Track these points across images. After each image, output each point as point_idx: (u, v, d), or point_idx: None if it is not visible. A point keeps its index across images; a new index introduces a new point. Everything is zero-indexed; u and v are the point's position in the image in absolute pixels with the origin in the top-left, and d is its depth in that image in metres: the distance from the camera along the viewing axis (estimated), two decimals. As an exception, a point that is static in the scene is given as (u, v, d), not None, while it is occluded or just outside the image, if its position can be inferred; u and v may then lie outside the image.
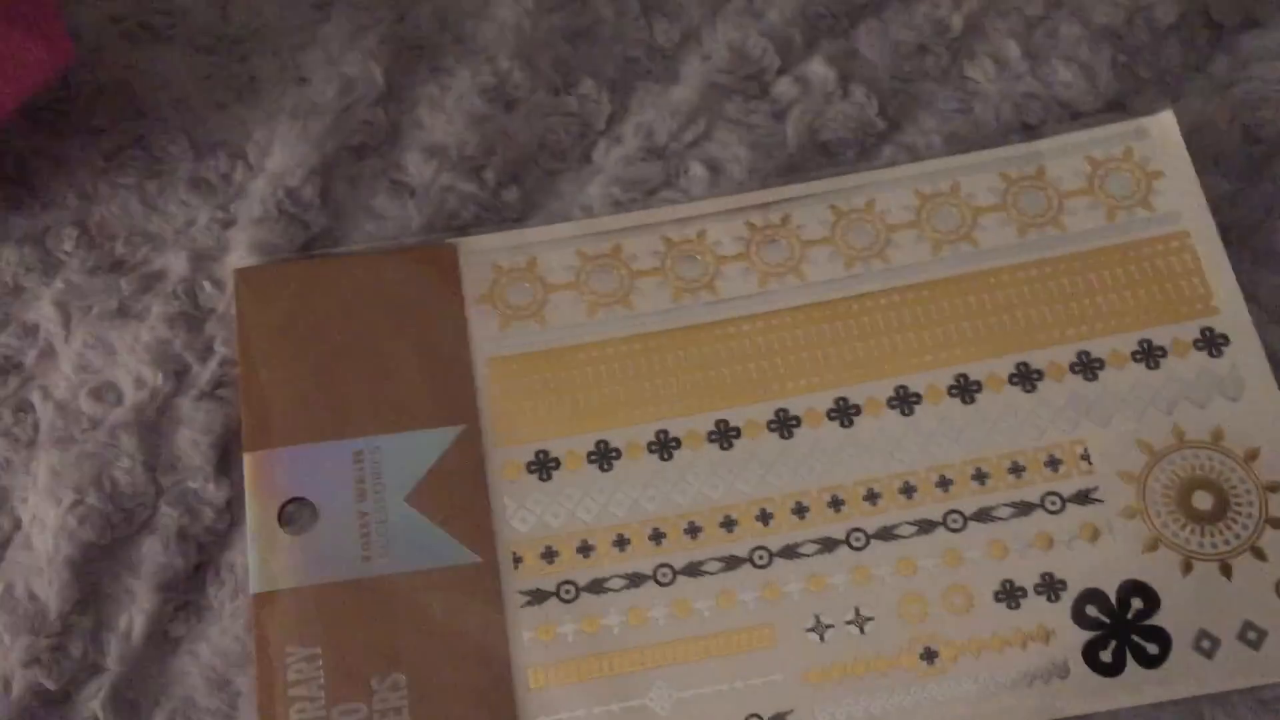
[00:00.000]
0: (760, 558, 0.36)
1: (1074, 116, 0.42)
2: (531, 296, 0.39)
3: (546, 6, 0.45)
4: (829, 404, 0.37)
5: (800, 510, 0.36)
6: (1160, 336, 0.37)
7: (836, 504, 0.36)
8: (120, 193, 0.42)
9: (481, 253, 0.40)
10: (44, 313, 0.41)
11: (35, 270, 0.41)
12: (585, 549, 0.36)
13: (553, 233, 0.40)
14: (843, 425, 0.37)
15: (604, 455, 0.37)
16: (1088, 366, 0.37)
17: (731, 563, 0.36)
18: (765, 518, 0.36)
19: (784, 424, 0.37)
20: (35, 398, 0.39)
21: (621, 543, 0.36)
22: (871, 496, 0.36)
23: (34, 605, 0.37)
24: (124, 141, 0.43)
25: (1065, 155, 0.40)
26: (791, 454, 0.37)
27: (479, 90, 0.44)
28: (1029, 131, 0.41)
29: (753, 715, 0.34)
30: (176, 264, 0.41)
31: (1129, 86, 0.42)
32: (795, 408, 0.37)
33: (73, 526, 0.37)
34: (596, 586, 0.36)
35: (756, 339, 0.38)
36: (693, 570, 0.36)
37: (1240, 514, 0.35)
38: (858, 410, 0.37)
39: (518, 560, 0.36)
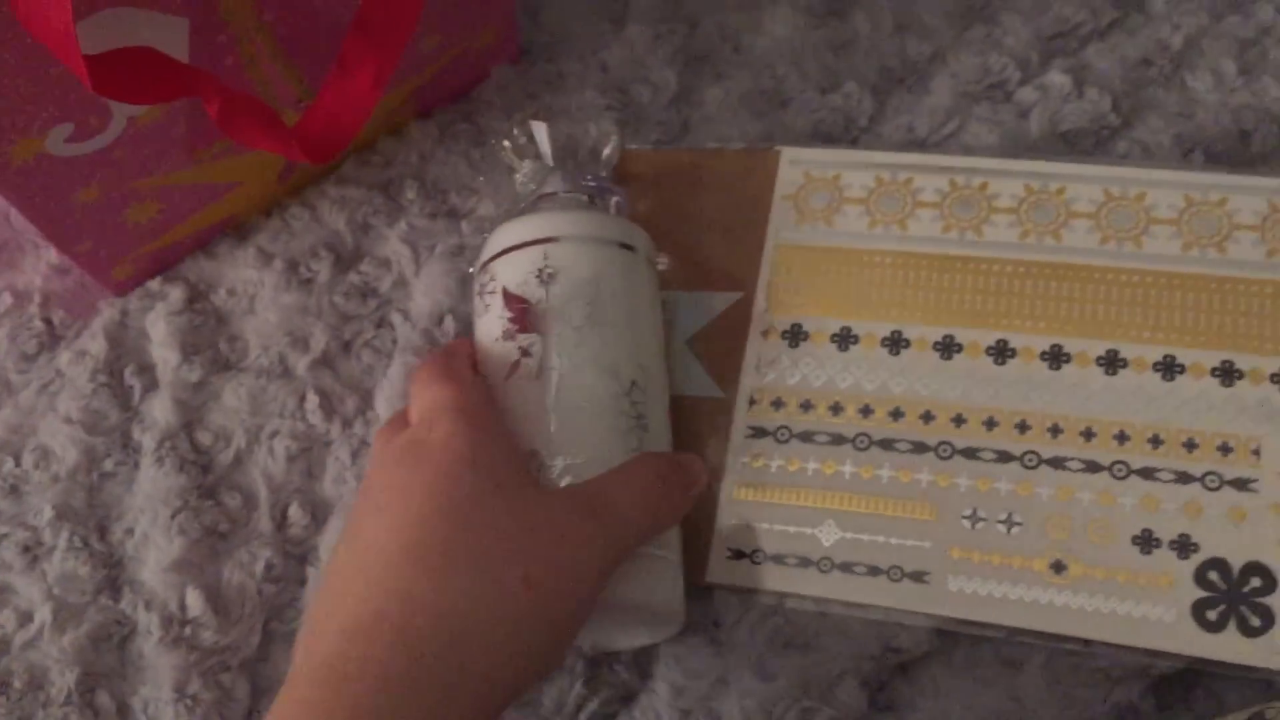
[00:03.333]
0: (944, 451, 0.43)
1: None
2: (828, 203, 0.48)
3: (813, 24, 0.54)
4: (1045, 346, 0.43)
5: (990, 424, 0.43)
6: (1369, 368, 0.41)
7: (1023, 427, 0.42)
8: (452, 157, 0.53)
9: (798, 161, 0.49)
10: (394, 248, 0.51)
11: (381, 213, 0.52)
12: (807, 406, 0.44)
13: (857, 157, 0.48)
14: (1051, 367, 0.43)
15: (845, 338, 0.45)
16: (1290, 377, 0.41)
17: (919, 448, 0.43)
18: (959, 420, 0.43)
19: (1001, 352, 0.44)
20: (395, 319, 0.50)
21: (837, 409, 0.44)
22: (1055, 430, 0.42)
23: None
24: (455, 117, 0.54)
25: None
26: (1001, 377, 0.43)
27: (759, 91, 0.52)
28: (1245, 137, 0.47)
29: (895, 567, 0.41)
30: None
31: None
32: (1014, 341, 0.44)
33: None
34: (806, 436, 0.44)
35: (1002, 279, 0.45)
36: (886, 445, 0.43)
37: (1384, 536, 0.38)
38: (1068, 358, 0.43)
39: (753, 402, 0.45)
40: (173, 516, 0.46)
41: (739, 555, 0.43)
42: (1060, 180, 0.46)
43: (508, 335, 0.41)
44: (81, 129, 0.42)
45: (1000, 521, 0.41)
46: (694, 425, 0.45)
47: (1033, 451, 0.42)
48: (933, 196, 0.47)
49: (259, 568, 0.45)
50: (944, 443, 0.43)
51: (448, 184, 0.52)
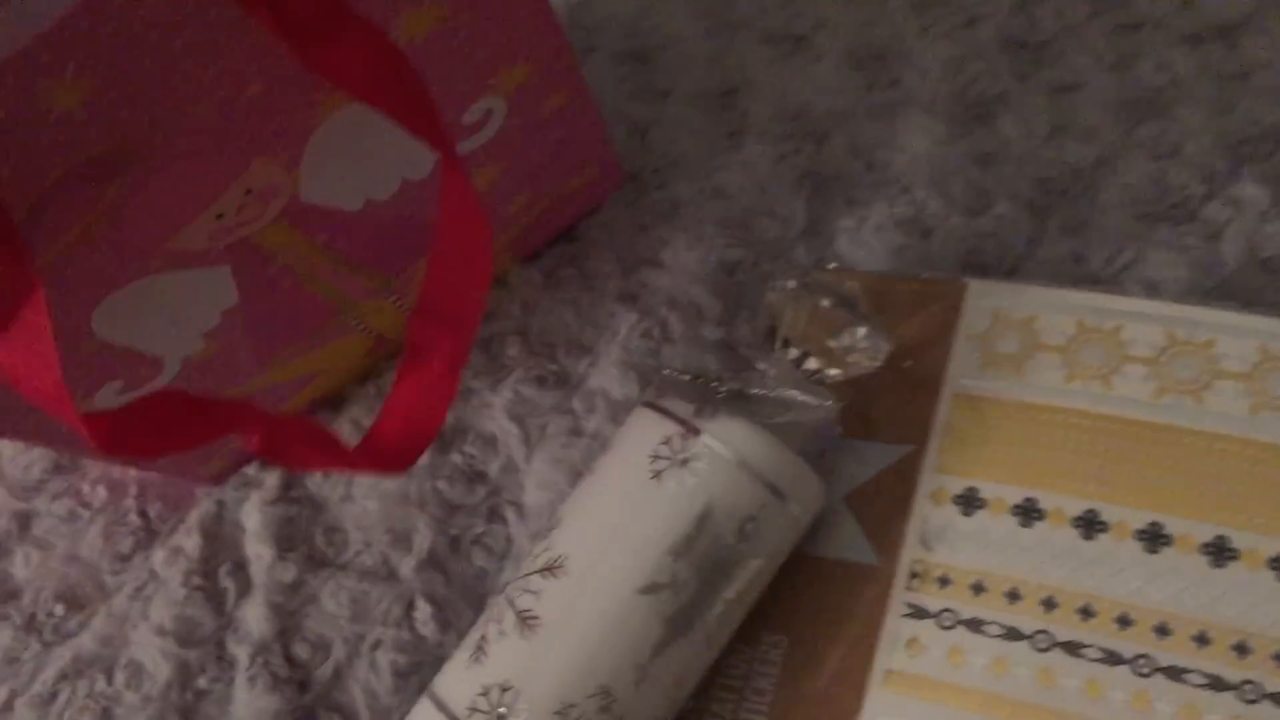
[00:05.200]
0: (1143, 667, 0.36)
1: None
2: (1019, 348, 0.41)
3: (955, 133, 0.47)
4: (1276, 551, 0.36)
5: (1202, 640, 0.35)
6: None
7: (1242, 650, 0.35)
8: (558, 307, 0.47)
9: (987, 297, 0.43)
10: (500, 424, 0.45)
11: (483, 374, 0.46)
12: (978, 588, 0.38)
13: (1056, 297, 0.42)
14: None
15: (1028, 512, 0.39)
16: None
17: (1112, 658, 0.36)
18: (1163, 631, 0.36)
19: (1219, 552, 0.36)
20: (509, 513, 0.44)
21: (1014, 596, 0.38)
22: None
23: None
24: (560, 261, 0.48)
25: None
26: (1217, 583, 0.36)
27: (895, 221, 0.46)
28: None
29: (1074, 803, 0.35)
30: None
31: None
32: (1237, 541, 0.36)
33: None
34: (975, 625, 0.38)
35: (1226, 461, 0.38)
36: (1071, 649, 0.36)
37: None
38: (1304, 568, 0.36)
39: (914, 575, 0.39)
40: None
41: (885, 761, 0.37)
42: (1304, 345, 0.39)
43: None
44: (132, 381, 0.39)
45: (1209, 763, 0.34)
46: (841, 595, 0.39)
47: (1255, 684, 0.35)
48: (1146, 351, 0.40)
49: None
50: (1142, 656, 0.36)
51: (554, 337, 0.47)
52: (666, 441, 0.38)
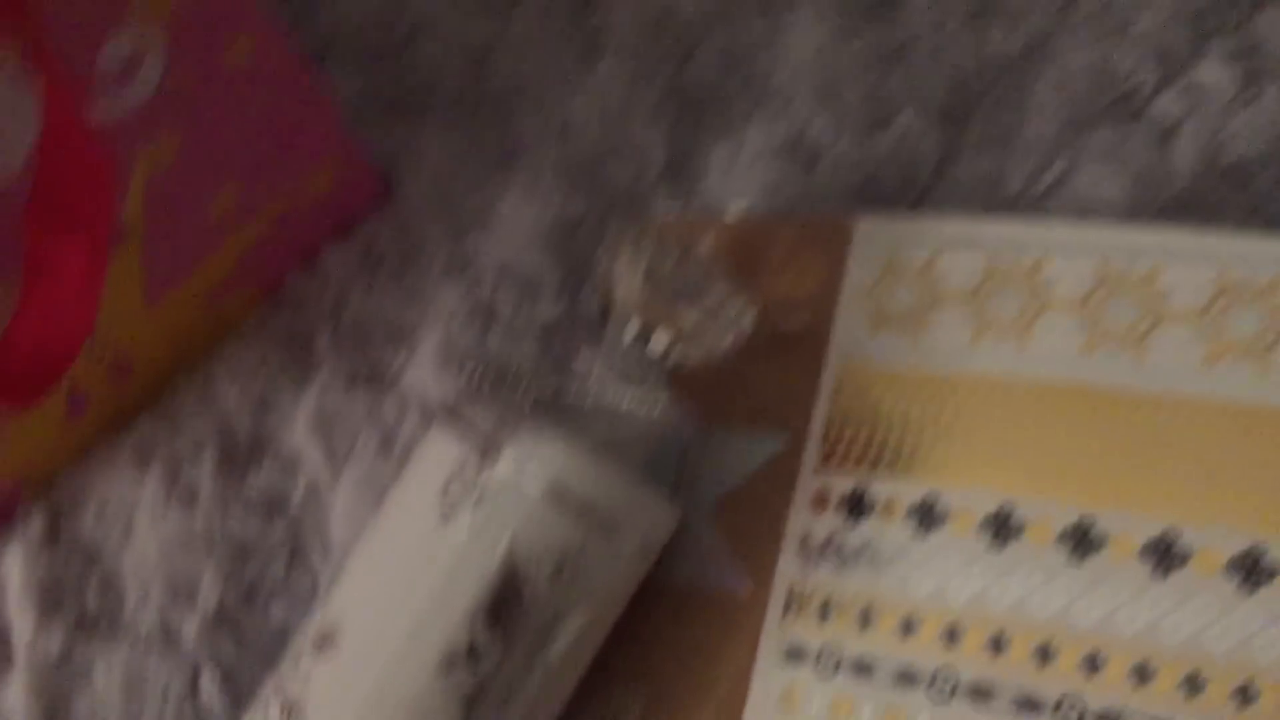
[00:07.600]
0: (1067, 713, 0.27)
1: None
2: (917, 301, 0.33)
3: (849, 29, 0.37)
4: (1237, 549, 0.27)
5: (1142, 673, 0.27)
6: None
7: (1194, 685, 0.26)
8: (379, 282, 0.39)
9: (878, 237, 0.34)
10: (302, 440, 0.39)
11: (288, 371, 0.39)
12: (866, 619, 0.30)
13: (965, 230, 0.33)
14: (1243, 586, 0.27)
15: (927, 515, 0.30)
16: None
17: (1028, 706, 0.28)
18: (1094, 665, 0.27)
19: (1164, 554, 0.28)
20: (313, 552, 0.37)
21: (908, 628, 0.29)
22: (1244, 694, 0.26)
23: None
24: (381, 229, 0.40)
25: None
26: (1165, 595, 0.27)
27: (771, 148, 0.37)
28: None
29: None
30: None
31: None
32: (1190, 538, 0.27)
33: None
34: (861, 668, 0.30)
35: (1173, 428, 0.29)
36: (979, 694, 0.28)
37: None
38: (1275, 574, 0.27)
39: (788, 606, 0.31)
40: None
41: (756, 847, 0.29)
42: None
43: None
44: None
45: (1154, 846, 0.26)
46: (707, 634, 0.32)
47: (1213, 728, 0.26)
48: (1072, 291, 0.31)
49: None
50: (1068, 696, 0.27)
51: (372, 323, 0.38)
52: (459, 471, 0.30)
